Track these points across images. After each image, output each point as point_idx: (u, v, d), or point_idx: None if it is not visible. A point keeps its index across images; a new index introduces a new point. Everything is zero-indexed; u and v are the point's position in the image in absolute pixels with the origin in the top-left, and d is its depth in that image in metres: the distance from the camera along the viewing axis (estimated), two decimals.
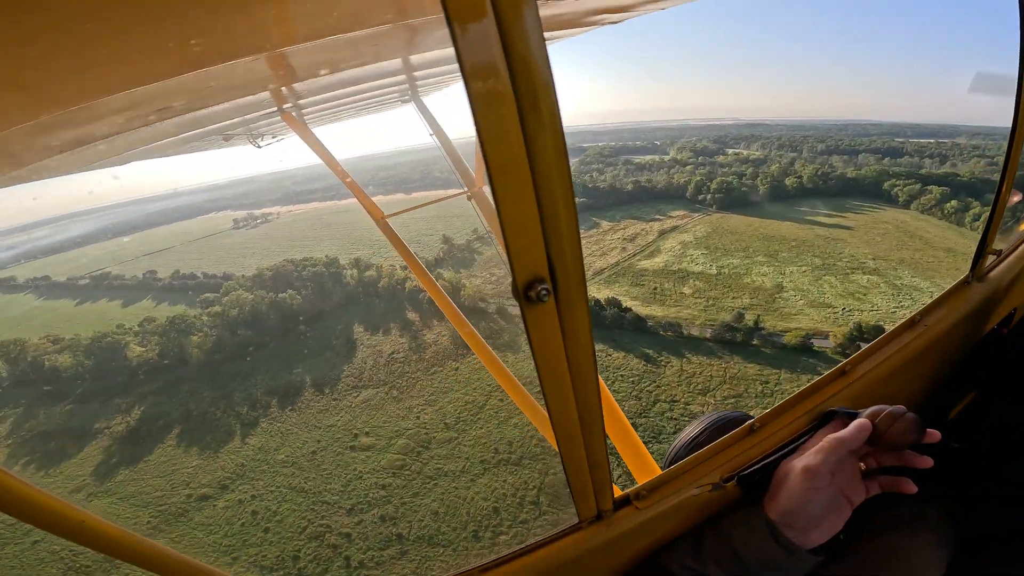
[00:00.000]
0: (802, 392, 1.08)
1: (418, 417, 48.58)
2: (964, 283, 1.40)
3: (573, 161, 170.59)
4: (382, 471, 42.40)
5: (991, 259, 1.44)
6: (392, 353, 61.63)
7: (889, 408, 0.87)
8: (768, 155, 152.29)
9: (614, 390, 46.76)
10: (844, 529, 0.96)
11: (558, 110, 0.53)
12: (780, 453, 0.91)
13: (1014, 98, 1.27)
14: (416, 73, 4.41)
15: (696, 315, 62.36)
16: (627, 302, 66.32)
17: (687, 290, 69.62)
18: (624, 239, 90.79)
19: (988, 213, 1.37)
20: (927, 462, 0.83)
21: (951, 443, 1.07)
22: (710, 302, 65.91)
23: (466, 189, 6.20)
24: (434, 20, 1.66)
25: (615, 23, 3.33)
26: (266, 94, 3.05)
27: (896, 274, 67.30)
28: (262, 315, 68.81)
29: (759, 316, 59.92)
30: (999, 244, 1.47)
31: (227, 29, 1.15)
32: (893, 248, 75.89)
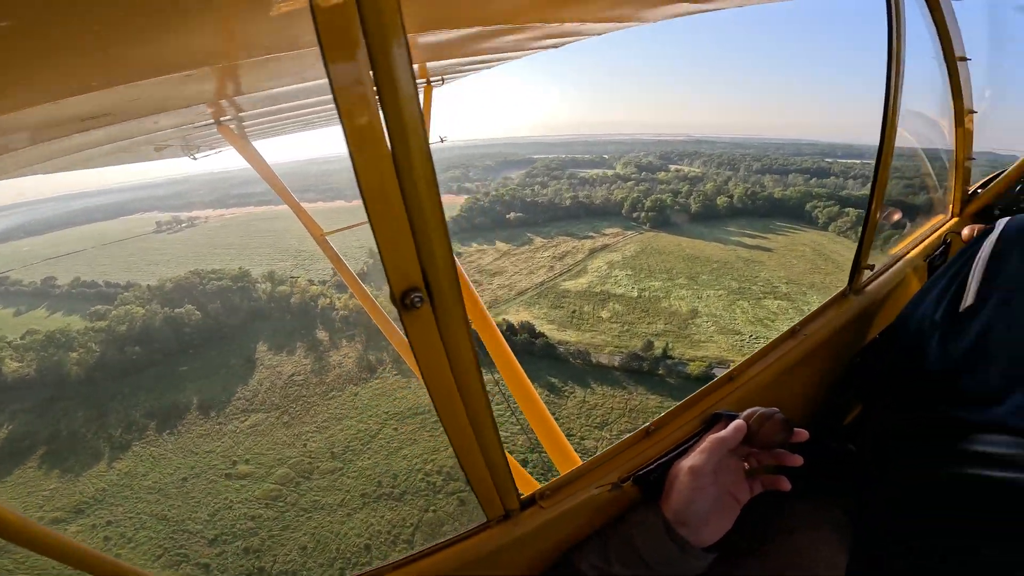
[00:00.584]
0: (693, 397, 1.16)
1: (305, 445, 46.31)
2: (842, 296, 1.52)
3: (519, 173, 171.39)
4: (255, 501, 40.11)
5: (867, 274, 1.54)
6: (292, 375, 58.31)
7: (762, 409, 0.91)
8: (707, 173, 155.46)
9: (511, 422, 45.25)
10: (749, 532, 1.05)
11: (426, 136, 0.56)
12: (672, 454, 0.96)
13: (881, 121, 1.42)
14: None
15: (609, 341, 61.56)
16: (543, 326, 64.97)
17: (605, 314, 68.90)
18: (554, 257, 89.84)
19: (860, 231, 1.50)
20: (796, 460, 0.89)
21: (846, 446, 1.21)
22: (625, 327, 65.33)
23: None
24: None
25: (556, 47, 3.30)
26: (203, 107, 3.04)
27: (805, 299, 68.58)
28: (154, 331, 63.74)
29: (668, 344, 59.59)
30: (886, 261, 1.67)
31: (162, 43, 1.17)
32: (806, 272, 77.69)
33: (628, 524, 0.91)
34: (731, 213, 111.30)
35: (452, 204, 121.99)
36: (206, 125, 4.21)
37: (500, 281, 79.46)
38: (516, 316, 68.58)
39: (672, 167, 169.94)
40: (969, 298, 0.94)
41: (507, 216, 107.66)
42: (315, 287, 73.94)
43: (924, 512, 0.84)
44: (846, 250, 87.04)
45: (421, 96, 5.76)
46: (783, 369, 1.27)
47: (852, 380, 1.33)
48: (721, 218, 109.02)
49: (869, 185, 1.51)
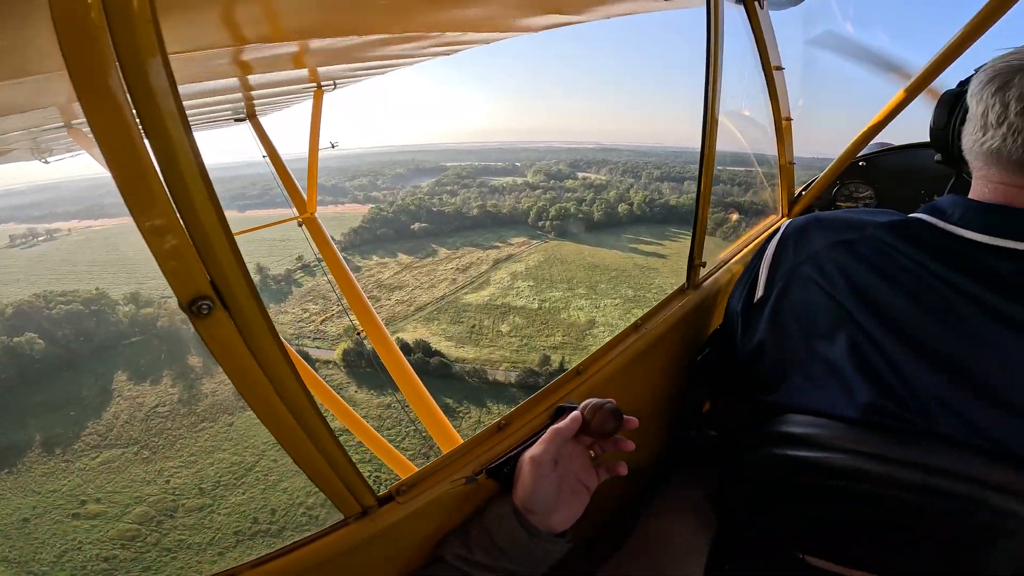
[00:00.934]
0: (543, 391, 1.20)
1: (168, 481, 42.33)
2: (681, 291, 1.59)
3: (428, 182, 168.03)
4: (109, 542, 36.70)
5: (703, 271, 1.63)
6: (155, 407, 52.35)
7: (595, 400, 0.95)
8: (611, 180, 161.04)
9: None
10: (619, 524, 1.18)
11: (195, 146, 0.56)
12: (522, 446, 1.01)
13: (701, 128, 1.51)
14: (254, 92, 4.28)
15: (507, 357, 60.66)
16: (439, 343, 62.87)
17: (505, 328, 68.06)
18: (458, 269, 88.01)
19: (692, 231, 1.59)
20: (629, 445, 0.94)
21: (707, 432, 1.32)
22: (524, 341, 64.83)
23: (297, 215, 5.94)
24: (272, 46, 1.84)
25: (447, 55, 3.33)
26: (53, 109, 2.94)
27: None
28: None
29: (564, 358, 59.71)
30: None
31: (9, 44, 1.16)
32: None
33: (486, 514, 0.95)
34: (631, 220, 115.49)
35: (355, 214, 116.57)
36: (56, 128, 4.04)
37: (399, 296, 76.32)
38: (413, 334, 65.96)
39: (580, 175, 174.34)
40: (759, 290, 1.04)
41: (412, 227, 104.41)
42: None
43: (759, 491, 0.95)
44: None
45: (310, 101, 5.30)
46: (627, 362, 1.32)
47: (699, 371, 1.36)
48: (622, 225, 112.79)
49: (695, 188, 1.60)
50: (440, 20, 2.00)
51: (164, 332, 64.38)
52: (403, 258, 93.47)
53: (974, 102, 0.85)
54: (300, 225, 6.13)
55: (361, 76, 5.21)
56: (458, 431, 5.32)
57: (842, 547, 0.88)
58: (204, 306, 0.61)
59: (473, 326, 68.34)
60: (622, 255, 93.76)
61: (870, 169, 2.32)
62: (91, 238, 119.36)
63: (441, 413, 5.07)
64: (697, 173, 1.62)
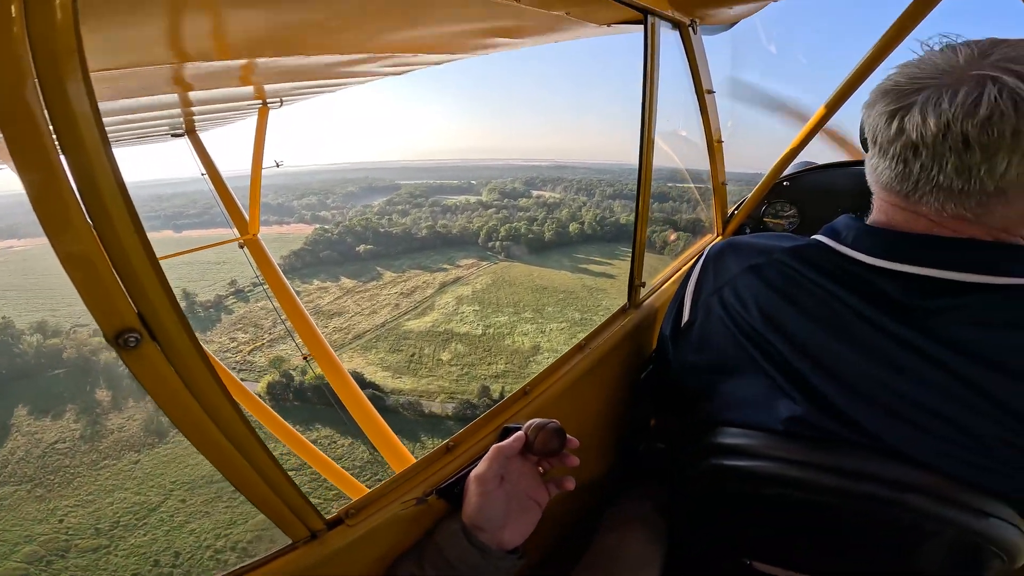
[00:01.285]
0: (490, 412, 1.21)
1: (61, 520, 39.54)
2: (623, 311, 1.62)
3: (379, 201, 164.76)
4: None
5: (644, 290, 1.68)
6: (55, 443, 48.28)
7: (539, 421, 0.98)
8: (565, 199, 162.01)
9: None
10: (575, 540, 1.25)
11: (115, 166, 0.53)
12: (471, 466, 1.03)
13: (638, 150, 1.56)
14: (194, 108, 4.05)
15: (445, 387, 58.49)
16: (375, 374, 60.20)
17: (446, 356, 65.93)
18: (402, 294, 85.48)
19: (632, 251, 1.64)
20: (573, 461, 0.96)
21: (655, 445, 1.38)
22: (465, 370, 62.86)
23: (238, 236, 5.62)
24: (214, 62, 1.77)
25: (397, 75, 3.30)
26: None
27: None
28: None
29: (505, 388, 58.02)
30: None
31: None
32: None
33: (436, 533, 0.97)
34: (582, 239, 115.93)
35: (298, 235, 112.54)
36: None
37: (338, 323, 73.09)
38: (348, 364, 62.82)
39: (535, 193, 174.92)
40: (686, 314, 1.08)
41: (357, 248, 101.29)
42: (98, 338, 61.49)
43: (703, 501, 1.00)
44: None
45: (255, 118, 5.25)
46: (573, 381, 1.35)
47: (643, 387, 1.40)
48: (573, 244, 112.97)
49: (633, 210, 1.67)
50: (391, 42, 2.00)
51: (72, 363, 59.25)
52: (346, 282, 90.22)
53: (864, 118, 0.86)
54: (241, 247, 5.73)
55: (309, 94, 4.95)
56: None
57: (785, 552, 0.93)
58: (131, 339, 0.59)
59: (413, 355, 65.93)
60: (571, 276, 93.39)
61: (793, 188, 2.43)
62: (8, 260, 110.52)
63: (393, 435, 4.98)
64: (635, 195, 1.65)
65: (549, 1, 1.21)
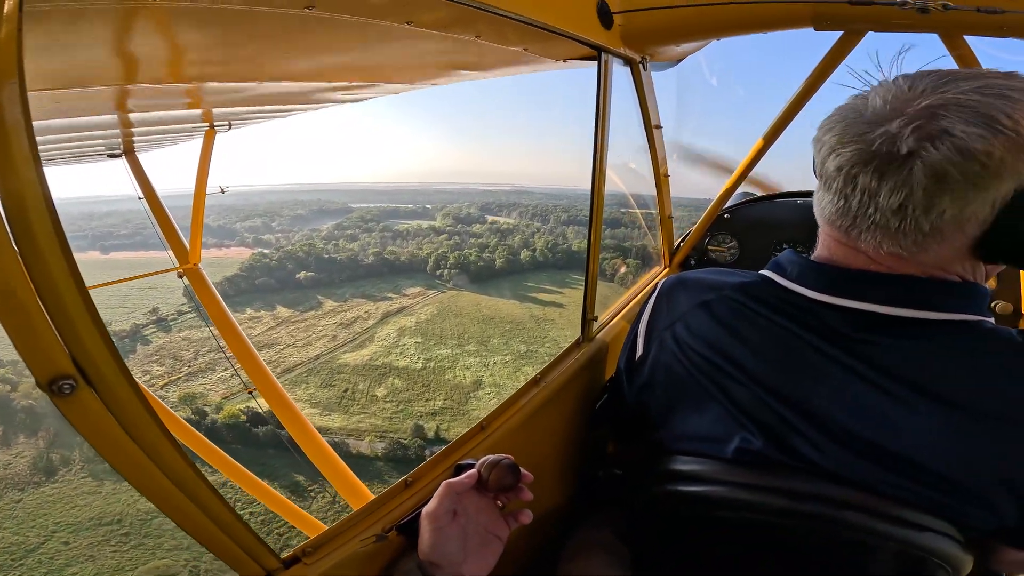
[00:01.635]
0: (448, 448, 1.23)
1: None
2: (576, 345, 1.65)
3: (328, 225, 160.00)
4: None
5: (596, 324, 1.71)
6: None
7: (492, 457, 0.99)
8: (519, 224, 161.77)
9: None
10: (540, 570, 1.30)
11: (51, 202, 0.52)
12: (428, 502, 1.05)
13: (590, 184, 1.60)
14: (135, 129, 3.86)
15: (377, 426, 54.96)
16: (302, 411, 55.78)
17: (381, 391, 62.48)
18: (341, 324, 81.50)
19: (584, 288, 1.69)
20: (527, 496, 0.99)
21: (612, 472, 1.42)
22: (400, 407, 59.56)
23: (177, 264, 5.31)
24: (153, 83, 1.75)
25: (354, 102, 3.37)
26: None
27: None
28: None
29: (440, 426, 55.08)
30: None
31: None
32: None
33: (396, 572, 0.98)
34: (534, 267, 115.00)
35: (235, 259, 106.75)
36: None
37: (267, 356, 68.33)
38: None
39: (489, 219, 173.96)
40: (639, 349, 1.11)
41: (297, 275, 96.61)
42: None
43: (661, 526, 1.02)
44: None
45: (200, 141, 4.75)
46: (530, 414, 1.37)
47: (599, 416, 1.44)
48: (524, 272, 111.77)
49: (586, 244, 1.70)
50: (347, 71, 1.95)
51: None
52: (281, 311, 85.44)
53: (813, 148, 0.90)
54: (180, 276, 5.39)
55: (261, 118, 4.84)
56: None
57: (743, 573, 0.94)
58: (66, 386, 0.57)
59: (346, 390, 62.15)
60: (519, 306, 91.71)
61: (734, 220, 2.53)
62: None
63: (348, 470, 4.83)
64: (587, 230, 1.66)
65: (508, 38, 1.25)
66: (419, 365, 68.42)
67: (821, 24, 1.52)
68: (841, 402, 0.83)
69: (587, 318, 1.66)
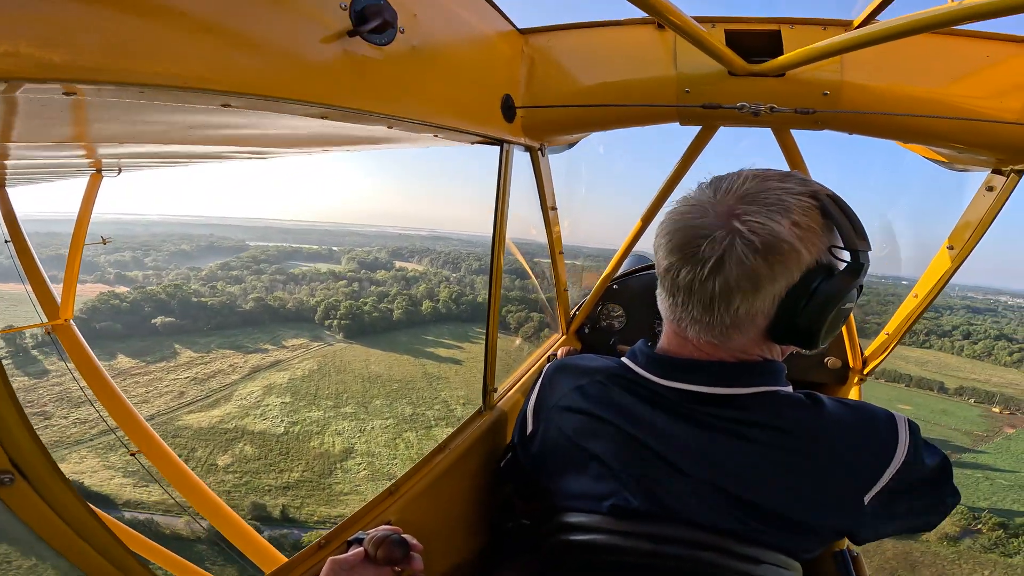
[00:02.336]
0: (360, 511, 1.30)
1: None
2: (479, 413, 1.79)
3: (212, 264, 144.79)
4: None
5: (496, 394, 1.85)
6: None
7: (379, 534, 1.03)
8: (427, 272, 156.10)
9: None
10: None
11: None
12: None
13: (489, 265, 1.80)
14: (8, 163, 3.30)
15: None
16: (111, 480, 45.45)
17: (225, 460, 52.45)
18: (196, 379, 70.00)
19: (484, 360, 1.81)
20: (419, 566, 1.05)
21: (520, 522, 1.56)
22: (245, 479, 49.92)
23: (46, 320, 4.78)
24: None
25: (261, 158, 3.14)
26: None
27: None
28: None
29: (288, 505, 46.26)
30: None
31: None
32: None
33: None
34: (435, 319, 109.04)
35: (79, 298, 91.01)
36: None
37: (83, 414, 55.26)
38: (76, 466, 46.94)
39: (398, 264, 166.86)
40: (529, 425, 1.29)
41: (154, 320, 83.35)
42: None
43: (564, 571, 1.14)
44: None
45: (85, 182, 4.40)
46: (436, 478, 1.48)
47: (504, 474, 1.51)
48: (424, 324, 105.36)
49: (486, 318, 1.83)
50: (254, 142, 2.00)
51: None
52: (122, 361, 72.18)
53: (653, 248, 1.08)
54: (49, 333, 4.85)
55: (158, 166, 4.46)
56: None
57: None
58: (5, 479, 0.63)
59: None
60: (413, 362, 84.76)
61: (621, 291, 2.77)
62: None
63: (255, 532, 4.66)
64: (486, 306, 1.80)
65: (420, 125, 1.33)
66: (280, 429, 59.01)
67: (684, 121, 1.81)
68: (683, 462, 1.01)
69: (488, 389, 1.81)
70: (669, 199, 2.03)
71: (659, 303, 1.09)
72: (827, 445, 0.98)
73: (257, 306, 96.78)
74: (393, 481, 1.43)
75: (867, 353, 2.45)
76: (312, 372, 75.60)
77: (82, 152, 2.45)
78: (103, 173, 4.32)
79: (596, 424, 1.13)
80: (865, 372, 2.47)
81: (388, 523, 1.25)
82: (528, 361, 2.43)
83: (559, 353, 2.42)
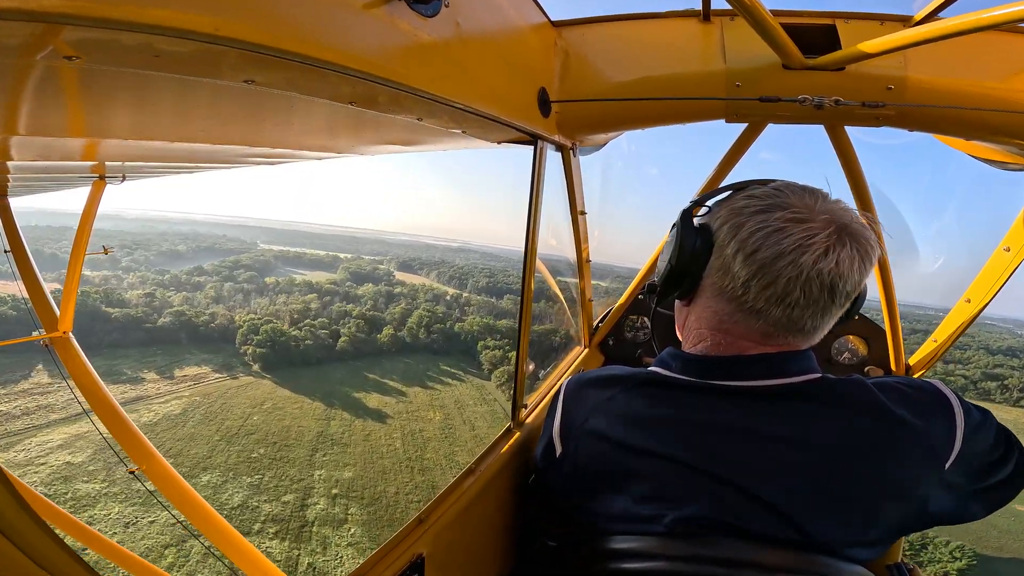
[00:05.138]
0: (389, 543, 1.27)
1: None
2: (508, 432, 1.72)
3: (186, 268, 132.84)
4: None
5: (524, 410, 1.79)
6: None
7: None
8: (418, 289, 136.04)
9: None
10: None
11: None
12: None
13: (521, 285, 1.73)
14: (11, 176, 3.47)
15: None
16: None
17: None
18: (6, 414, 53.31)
19: (514, 376, 1.76)
20: None
21: (547, 544, 1.47)
22: None
23: (42, 331, 4.80)
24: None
25: (270, 164, 3.15)
26: None
27: (336, 535, 42.22)
28: None
29: None
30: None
31: None
32: (391, 467, 52.75)
33: None
34: (394, 349, 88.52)
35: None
36: None
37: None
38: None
39: (398, 277, 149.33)
40: (558, 448, 1.20)
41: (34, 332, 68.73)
42: None
43: None
44: (487, 425, 66.83)
45: (87, 190, 4.62)
46: (467, 504, 1.44)
47: (531, 493, 1.50)
48: (374, 356, 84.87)
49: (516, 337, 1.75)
50: (272, 139, 1.92)
51: None
52: None
53: (723, 242, 1.04)
54: (46, 346, 4.84)
55: (162, 174, 4.21)
56: None
57: None
58: None
59: None
60: (323, 410, 64.21)
61: (646, 303, 2.52)
62: None
63: (259, 553, 4.62)
64: (517, 321, 1.76)
65: (448, 122, 1.31)
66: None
67: (732, 117, 1.71)
68: (759, 463, 0.95)
69: (517, 405, 1.75)
70: None
71: (720, 312, 1.06)
72: (897, 419, 0.94)
73: (174, 322, 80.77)
74: (422, 509, 1.37)
75: (912, 362, 2.38)
76: (168, 418, 56.99)
77: (84, 153, 2.28)
78: (106, 180, 4.22)
79: (635, 436, 1.06)
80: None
81: (419, 556, 1.25)
82: (553, 376, 2.34)
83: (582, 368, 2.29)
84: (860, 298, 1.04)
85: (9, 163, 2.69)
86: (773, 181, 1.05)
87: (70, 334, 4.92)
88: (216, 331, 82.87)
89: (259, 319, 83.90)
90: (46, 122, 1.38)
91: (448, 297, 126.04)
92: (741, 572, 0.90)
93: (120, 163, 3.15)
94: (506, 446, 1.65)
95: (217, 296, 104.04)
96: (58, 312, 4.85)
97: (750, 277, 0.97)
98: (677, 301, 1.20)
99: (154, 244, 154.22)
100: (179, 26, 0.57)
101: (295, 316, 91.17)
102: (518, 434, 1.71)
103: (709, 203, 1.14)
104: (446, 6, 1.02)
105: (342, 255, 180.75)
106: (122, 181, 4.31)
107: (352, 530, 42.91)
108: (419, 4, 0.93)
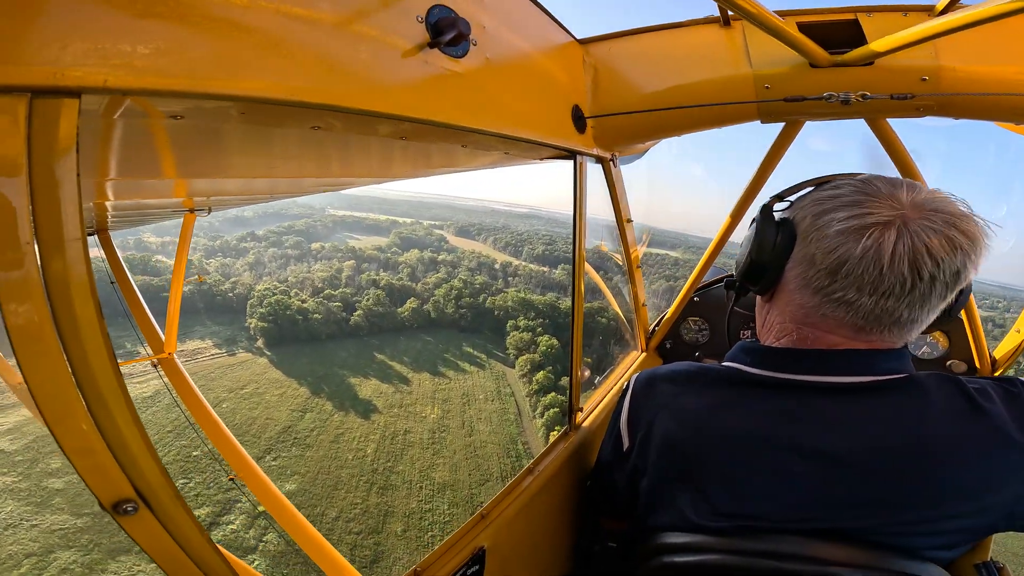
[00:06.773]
0: (452, 537, 1.33)
1: None
2: (565, 434, 1.77)
3: (239, 232, 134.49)
4: None
5: (581, 414, 1.84)
6: None
7: None
8: (463, 258, 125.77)
9: None
10: None
11: (101, 324, 0.54)
12: None
13: (571, 286, 1.76)
14: (112, 214, 3.90)
15: None
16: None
17: None
18: None
19: (569, 380, 1.79)
20: None
21: (607, 545, 1.51)
22: None
23: (151, 353, 5.37)
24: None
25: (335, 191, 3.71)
26: None
27: None
28: None
29: None
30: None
31: None
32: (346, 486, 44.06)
33: None
34: (415, 325, 79.71)
35: None
36: None
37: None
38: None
39: (449, 243, 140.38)
40: (625, 442, 1.19)
41: None
42: None
43: None
44: (488, 431, 55.68)
45: (180, 222, 5.40)
46: (527, 501, 1.50)
47: (591, 494, 1.53)
48: (390, 333, 76.76)
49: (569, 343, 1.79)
50: (335, 171, 2.03)
51: None
52: None
53: (808, 235, 1.00)
54: (155, 366, 5.44)
55: (243, 204, 4.87)
56: None
57: None
58: (129, 507, 0.63)
59: None
60: (304, 400, 56.92)
61: (703, 303, 2.62)
62: None
63: (349, 565, 4.81)
64: (570, 321, 1.80)
65: (488, 147, 1.38)
66: None
67: (766, 118, 1.73)
68: (823, 464, 0.93)
69: (573, 409, 1.80)
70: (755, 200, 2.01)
71: (821, 307, 1.00)
72: (989, 420, 0.91)
73: (195, 290, 77.87)
74: (484, 505, 1.43)
75: (996, 355, 2.29)
76: (136, 400, 52.38)
77: (175, 190, 2.47)
78: (195, 213, 4.69)
79: (711, 431, 1.04)
80: (995, 375, 2.16)
81: (481, 548, 1.29)
82: (610, 380, 2.36)
83: None
84: (966, 291, 0.99)
85: (107, 203, 2.88)
86: (859, 175, 1.01)
87: (174, 355, 5.40)
88: (234, 301, 79.32)
89: (265, 291, 78.54)
90: (146, 167, 1.56)
91: (497, 266, 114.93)
92: (812, 568, 0.89)
93: (205, 197, 3.56)
94: (564, 447, 1.70)
95: (256, 261, 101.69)
96: (163, 336, 5.36)
97: (838, 266, 0.93)
98: (758, 298, 1.16)
99: (223, 211, 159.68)
100: (262, 95, 0.70)
101: (318, 285, 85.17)
102: (574, 437, 1.77)
103: (791, 198, 1.11)
104: (474, 45, 1.08)
105: (401, 220, 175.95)
106: (208, 213, 4.76)
107: (256, 562, 34.44)
108: (450, 47, 1.00)
